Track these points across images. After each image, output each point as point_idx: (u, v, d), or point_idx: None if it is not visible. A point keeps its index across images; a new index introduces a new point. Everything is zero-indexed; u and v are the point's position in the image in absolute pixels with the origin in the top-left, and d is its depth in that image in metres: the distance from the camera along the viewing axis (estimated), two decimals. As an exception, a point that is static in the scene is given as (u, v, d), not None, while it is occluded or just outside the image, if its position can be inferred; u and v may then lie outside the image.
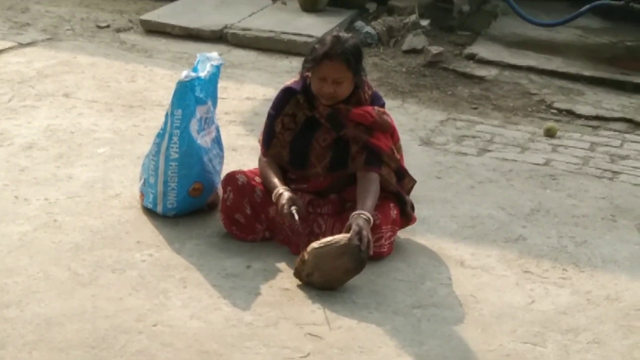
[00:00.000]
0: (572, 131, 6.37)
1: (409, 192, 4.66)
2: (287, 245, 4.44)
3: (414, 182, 4.69)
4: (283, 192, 4.34)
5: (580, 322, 4.04)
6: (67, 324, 3.76)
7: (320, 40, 4.42)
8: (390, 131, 4.52)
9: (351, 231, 4.10)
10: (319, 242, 4.16)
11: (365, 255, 4.11)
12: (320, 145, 4.47)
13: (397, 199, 4.52)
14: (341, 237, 4.14)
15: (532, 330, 3.96)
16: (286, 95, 4.52)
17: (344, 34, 4.41)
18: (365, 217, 4.18)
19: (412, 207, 4.63)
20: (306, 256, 4.13)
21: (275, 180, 4.43)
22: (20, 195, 4.83)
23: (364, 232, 4.10)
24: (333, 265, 4.09)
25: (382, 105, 4.54)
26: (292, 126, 4.51)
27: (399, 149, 4.61)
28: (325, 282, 4.12)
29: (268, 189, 4.45)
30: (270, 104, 4.61)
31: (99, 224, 4.59)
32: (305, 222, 4.43)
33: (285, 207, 4.27)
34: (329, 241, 4.14)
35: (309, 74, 4.41)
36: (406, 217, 4.58)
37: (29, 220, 4.57)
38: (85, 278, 4.11)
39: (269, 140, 4.55)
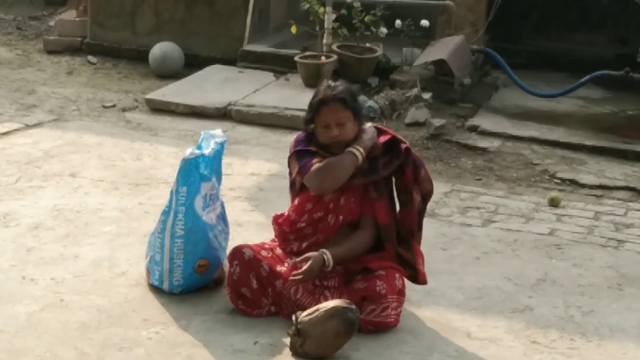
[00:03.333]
0: (576, 200, 6.39)
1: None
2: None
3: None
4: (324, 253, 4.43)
5: (589, 392, 4.02)
6: (74, 404, 3.75)
7: (314, 93, 4.54)
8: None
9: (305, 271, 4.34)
10: (307, 311, 4.20)
11: (355, 317, 4.12)
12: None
13: (402, 262, 4.54)
14: (328, 303, 4.17)
15: (541, 401, 3.94)
16: (306, 137, 4.59)
17: (334, 82, 4.54)
18: (325, 256, 4.38)
19: (422, 259, 4.68)
20: (297, 327, 4.14)
21: None
22: (27, 276, 4.84)
23: (306, 269, 4.33)
24: (323, 330, 4.10)
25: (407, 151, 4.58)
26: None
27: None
28: (318, 349, 4.12)
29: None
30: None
31: (105, 303, 4.60)
32: (312, 296, 4.45)
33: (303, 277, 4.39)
34: (316, 308, 4.18)
35: (312, 127, 4.51)
36: (411, 270, 4.60)
37: (35, 301, 4.58)
38: (92, 357, 4.11)
39: (307, 160, 4.51)
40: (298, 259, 4.44)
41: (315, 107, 4.44)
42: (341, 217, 4.52)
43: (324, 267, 4.40)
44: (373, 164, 4.51)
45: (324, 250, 4.41)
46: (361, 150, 4.44)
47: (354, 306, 4.16)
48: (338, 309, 4.11)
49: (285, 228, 4.61)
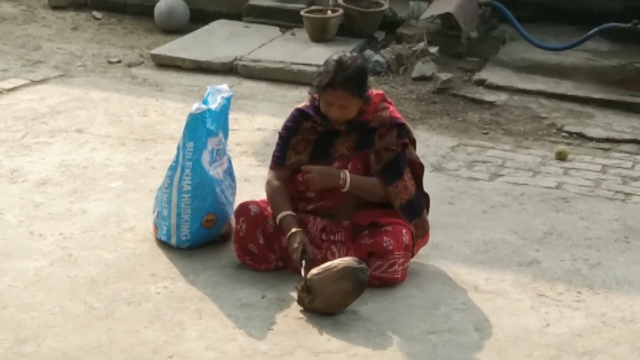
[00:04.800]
0: (583, 154, 6.38)
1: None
2: (300, 274, 4.46)
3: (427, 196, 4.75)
4: (296, 233, 4.38)
5: (595, 345, 4.04)
6: (84, 358, 3.78)
7: (325, 65, 4.45)
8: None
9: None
10: (317, 268, 4.20)
11: (365, 277, 4.13)
12: (342, 144, 4.52)
13: (411, 217, 4.54)
14: (339, 262, 4.17)
15: (548, 353, 3.96)
16: (301, 116, 4.56)
17: (347, 58, 4.43)
18: (342, 174, 4.42)
19: (428, 200, 4.71)
20: (307, 284, 4.15)
21: (287, 215, 4.44)
22: (35, 231, 4.86)
23: (314, 177, 4.39)
24: (333, 290, 4.11)
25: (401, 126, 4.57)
26: (311, 136, 4.55)
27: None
28: (327, 307, 4.14)
29: (279, 222, 4.46)
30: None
31: (113, 258, 4.62)
32: (319, 250, 4.47)
33: (296, 255, 4.32)
34: (327, 266, 4.18)
35: (316, 96, 4.47)
36: (419, 233, 4.59)
37: (44, 256, 4.60)
38: (101, 312, 4.14)
39: (282, 155, 4.57)
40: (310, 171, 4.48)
41: (322, 88, 4.39)
42: None
43: (340, 184, 4.41)
44: (368, 135, 4.50)
45: (344, 171, 4.43)
46: (348, 181, 4.43)
47: (364, 265, 4.17)
48: (349, 269, 4.12)
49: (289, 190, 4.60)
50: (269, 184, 4.58)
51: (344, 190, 4.43)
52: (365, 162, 4.53)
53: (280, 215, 4.45)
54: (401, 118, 4.58)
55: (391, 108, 4.57)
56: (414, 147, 4.65)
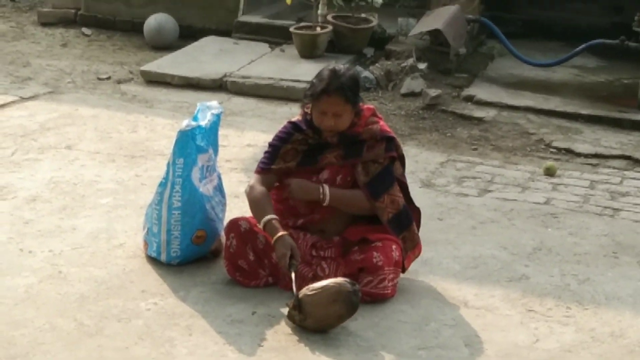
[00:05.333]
0: (572, 169, 6.41)
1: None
2: (290, 290, 4.46)
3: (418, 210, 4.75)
4: (282, 237, 4.36)
5: (585, 360, 4.05)
6: (74, 375, 3.78)
7: (318, 75, 4.49)
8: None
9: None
10: (310, 288, 4.18)
11: (357, 299, 4.13)
12: (330, 152, 4.54)
13: (399, 231, 4.54)
14: (332, 283, 4.15)
15: (538, 368, 3.97)
16: (294, 128, 4.57)
17: (340, 67, 4.51)
18: (321, 187, 4.44)
19: (419, 214, 4.72)
20: (299, 303, 4.15)
21: (271, 218, 4.42)
22: (25, 248, 4.85)
23: (294, 186, 4.44)
24: (326, 313, 4.11)
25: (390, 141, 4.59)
26: (301, 147, 4.56)
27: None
28: (318, 327, 4.14)
29: (263, 226, 4.44)
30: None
31: (103, 274, 4.61)
32: (309, 266, 4.47)
33: (284, 261, 4.31)
34: (320, 287, 4.15)
35: (309, 106, 4.49)
36: (410, 246, 4.59)
37: (34, 273, 4.60)
38: (91, 329, 4.13)
39: (270, 161, 4.58)
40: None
41: (317, 95, 4.42)
42: None
43: (320, 198, 4.44)
44: (357, 146, 4.52)
45: (323, 185, 4.46)
46: (327, 194, 4.46)
47: (357, 287, 4.16)
48: (342, 292, 4.10)
49: (278, 205, 4.61)
50: (251, 188, 4.55)
51: (325, 204, 4.46)
52: (354, 175, 4.54)
53: (264, 219, 4.43)
54: (391, 132, 4.60)
55: (381, 122, 4.60)
56: (403, 163, 4.66)
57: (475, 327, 4.28)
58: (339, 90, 4.37)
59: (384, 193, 4.51)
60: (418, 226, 4.69)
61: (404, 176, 4.66)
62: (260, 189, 4.53)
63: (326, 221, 4.56)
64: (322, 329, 4.15)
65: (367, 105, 4.67)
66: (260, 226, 4.45)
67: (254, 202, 4.52)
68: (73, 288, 4.47)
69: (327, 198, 4.45)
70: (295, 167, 4.54)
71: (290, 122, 4.62)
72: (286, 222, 4.56)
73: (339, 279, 4.21)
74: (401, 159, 4.64)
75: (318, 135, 4.53)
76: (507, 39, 8.61)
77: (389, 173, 4.55)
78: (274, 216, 4.44)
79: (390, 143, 4.55)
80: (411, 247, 4.61)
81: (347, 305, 4.11)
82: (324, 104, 4.41)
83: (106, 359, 3.89)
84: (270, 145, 4.62)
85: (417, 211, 4.72)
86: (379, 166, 4.52)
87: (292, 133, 4.56)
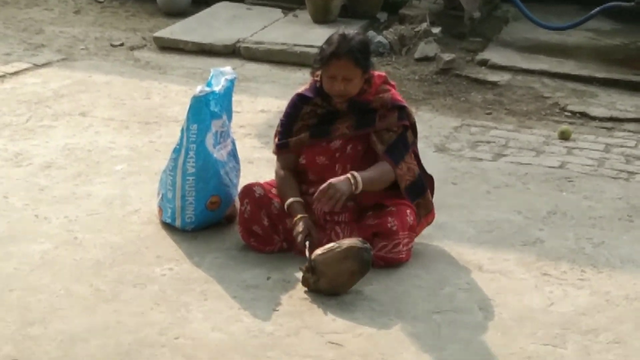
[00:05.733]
0: (587, 133, 6.38)
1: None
2: (305, 255, 4.47)
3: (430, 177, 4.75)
4: (301, 219, 4.39)
5: (600, 323, 4.05)
6: (90, 340, 3.80)
7: (327, 40, 4.47)
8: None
9: (329, 198, 4.24)
10: (321, 248, 4.22)
11: (369, 256, 4.15)
12: (342, 123, 4.51)
13: (415, 197, 4.54)
14: (343, 242, 4.19)
15: (552, 332, 3.98)
16: (301, 100, 4.56)
17: (350, 32, 4.47)
18: (352, 178, 4.30)
19: (432, 182, 4.71)
20: (311, 264, 4.17)
21: (294, 201, 4.46)
22: (41, 214, 4.88)
23: (337, 194, 4.22)
24: (338, 270, 4.13)
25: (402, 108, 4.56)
26: (312, 120, 4.56)
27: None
28: (332, 287, 4.16)
29: (287, 208, 4.48)
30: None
31: (119, 240, 4.63)
32: (323, 231, 4.48)
33: (300, 237, 4.33)
34: (331, 247, 4.20)
35: (318, 74, 4.47)
36: (424, 211, 4.60)
37: (49, 239, 4.62)
38: (107, 294, 4.16)
39: (285, 138, 4.58)
40: (318, 190, 4.31)
41: (326, 59, 4.40)
42: (349, 167, 4.50)
43: (353, 190, 4.32)
44: (369, 115, 4.50)
45: (351, 173, 4.34)
46: (359, 180, 4.33)
47: (368, 245, 4.18)
48: (353, 249, 4.13)
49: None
50: (276, 174, 4.61)
51: (358, 192, 4.33)
52: (364, 144, 4.52)
53: (287, 202, 4.47)
54: (403, 101, 4.58)
55: (393, 91, 4.57)
56: (415, 131, 4.64)
57: (490, 291, 4.28)
58: (349, 53, 4.35)
59: (401, 161, 4.50)
60: (432, 194, 4.69)
61: (415, 145, 4.64)
62: (281, 173, 4.57)
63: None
64: (336, 289, 4.17)
65: (379, 72, 4.64)
66: (286, 210, 4.47)
67: (278, 189, 4.57)
68: (89, 254, 4.49)
69: (360, 185, 4.33)
70: (308, 140, 4.54)
71: (296, 95, 4.61)
72: (300, 190, 4.56)
73: (350, 238, 4.22)
74: (413, 128, 4.62)
75: (327, 102, 4.52)
76: (522, 2, 8.54)
77: (403, 141, 4.53)
78: (296, 199, 4.46)
79: (402, 112, 4.53)
80: (424, 213, 4.61)
81: (358, 262, 4.13)
82: (333, 68, 4.38)
83: (122, 324, 3.92)
84: (281, 123, 4.62)
85: (430, 179, 4.72)
86: (393, 134, 4.50)
87: (299, 107, 4.56)
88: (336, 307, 4.10)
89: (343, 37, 4.41)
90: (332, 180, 4.31)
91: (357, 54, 4.36)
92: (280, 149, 4.61)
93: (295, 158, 4.59)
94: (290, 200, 4.47)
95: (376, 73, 4.58)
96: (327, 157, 4.54)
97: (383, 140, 4.49)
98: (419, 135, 4.73)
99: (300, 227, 4.37)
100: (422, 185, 4.59)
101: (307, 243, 4.31)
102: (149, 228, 4.77)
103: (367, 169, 4.43)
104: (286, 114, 4.61)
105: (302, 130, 4.56)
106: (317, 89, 4.52)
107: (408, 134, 4.56)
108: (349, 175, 4.34)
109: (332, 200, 4.25)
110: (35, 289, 4.16)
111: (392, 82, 4.65)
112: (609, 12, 8.54)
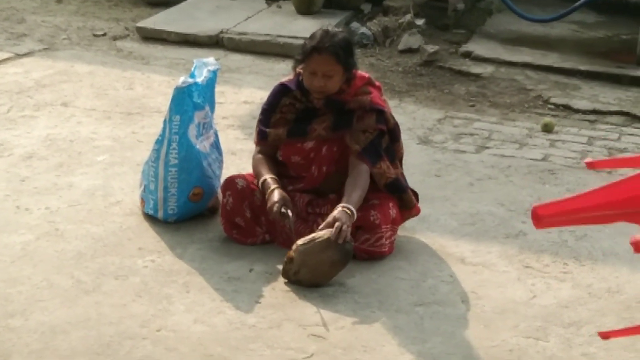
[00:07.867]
0: (570, 126, 6.39)
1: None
2: (287, 247, 4.45)
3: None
4: (274, 190, 4.36)
5: (582, 316, 4.06)
6: (71, 332, 3.78)
7: (311, 36, 4.46)
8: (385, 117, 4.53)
9: (334, 228, 4.13)
10: (303, 239, 4.20)
11: (350, 247, 4.15)
12: (319, 123, 4.49)
13: (397, 194, 4.53)
14: (325, 232, 4.17)
15: (535, 324, 3.98)
16: (282, 90, 4.55)
17: (334, 29, 4.46)
18: (347, 210, 4.22)
19: (416, 195, 4.67)
20: (292, 254, 4.16)
21: (267, 177, 4.43)
22: (22, 205, 4.85)
23: (344, 227, 4.13)
24: (319, 260, 4.13)
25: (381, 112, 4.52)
26: (290, 115, 4.54)
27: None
28: (312, 278, 4.16)
29: (260, 185, 4.45)
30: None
31: (100, 232, 4.61)
32: (306, 223, 4.46)
33: (276, 206, 4.29)
34: (312, 237, 4.19)
35: (300, 69, 4.45)
36: (407, 206, 4.59)
37: (31, 230, 4.59)
38: (88, 285, 4.13)
39: (264, 131, 4.57)
40: (321, 227, 4.24)
41: (308, 53, 4.38)
42: (324, 168, 4.50)
43: (352, 220, 4.24)
44: (346, 116, 4.47)
45: (343, 205, 4.24)
46: (354, 210, 4.25)
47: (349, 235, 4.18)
48: (334, 239, 4.13)
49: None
50: (253, 158, 4.61)
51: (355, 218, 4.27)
52: (340, 145, 4.49)
53: (261, 179, 4.45)
54: (384, 105, 4.52)
55: (374, 93, 4.51)
56: (397, 135, 4.59)
57: (472, 284, 4.28)
58: (330, 48, 4.32)
59: (379, 160, 4.48)
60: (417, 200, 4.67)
61: (399, 150, 4.62)
62: (258, 156, 4.57)
63: (319, 186, 4.54)
64: (317, 280, 4.16)
65: (363, 73, 4.61)
66: (260, 187, 4.44)
67: (253, 168, 4.56)
68: (70, 245, 4.47)
69: (354, 212, 4.24)
70: (285, 137, 4.52)
71: (280, 84, 4.59)
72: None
73: (331, 229, 4.21)
74: (392, 132, 4.57)
75: (306, 98, 4.49)
76: (506, -5, 8.55)
77: (379, 143, 4.50)
78: (270, 175, 4.43)
79: (380, 116, 4.48)
80: (407, 207, 4.60)
81: (339, 252, 4.12)
82: (314, 63, 4.36)
83: (104, 316, 3.90)
84: (262, 111, 4.61)
85: (414, 193, 4.69)
86: (370, 135, 4.46)
87: (279, 97, 4.54)
88: (319, 299, 4.09)
89: (326, 32, 4.39)
90: (336, 215, 4.21)
91: (339, 50, 4.34)
92: (260, 140, 4.59)
93: (274, 150, 4.58)
94: (264, 177, 4.44)
95: (359, 74, 4.54)
96: (302, 157, 4.52)
97: (359, 141, 4.44)
98: (403, 127, 4.72)
99: (275, 197, 4.32)
100: (403, 185, 4.57)
101: (286, 210, 4.27)
102: (131, 219, 4.75)
103: (347, 183, 4.37)
104: (268, 102, 4.60)
105: (279, 124, 4.54)
106: (299, 83, 4.50)
107: (383, 139, 4.52)
108: (346, 210, 4.22)
109: (343, 233, 4.15)
110: (15, 280, 4.14)
111: (378, 84, 4.61)
112: (593, 4, 8.56)
